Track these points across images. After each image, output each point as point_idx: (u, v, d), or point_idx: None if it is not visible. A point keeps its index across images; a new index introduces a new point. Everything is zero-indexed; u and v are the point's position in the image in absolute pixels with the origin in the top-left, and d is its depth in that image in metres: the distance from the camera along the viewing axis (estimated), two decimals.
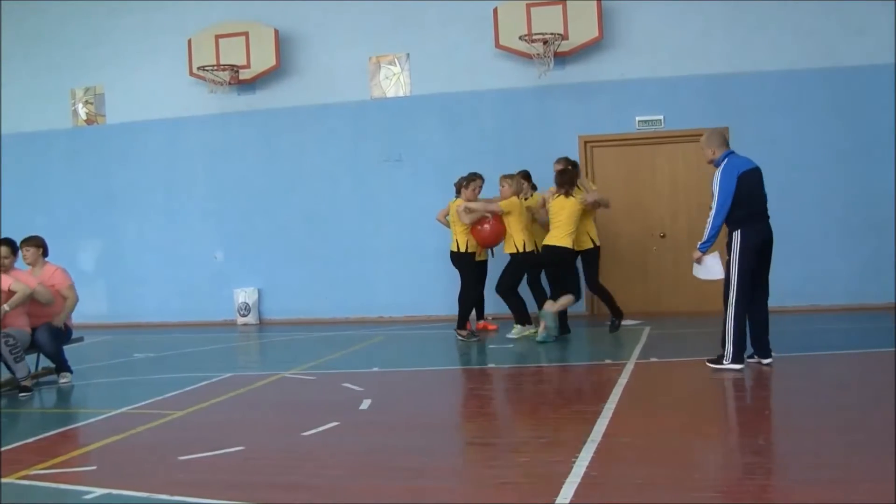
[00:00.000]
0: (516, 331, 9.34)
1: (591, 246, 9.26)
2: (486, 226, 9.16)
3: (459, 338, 9.41)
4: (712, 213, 6.62)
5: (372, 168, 12.03)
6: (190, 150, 12.79)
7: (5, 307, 7.22)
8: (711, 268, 6.85)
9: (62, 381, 7.71)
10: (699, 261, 6.88)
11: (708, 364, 6.88)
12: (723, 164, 6.68)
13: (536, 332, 9.01)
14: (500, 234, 9.22)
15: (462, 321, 9.48)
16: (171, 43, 12.54)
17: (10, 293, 7.28)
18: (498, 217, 9.11)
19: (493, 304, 10.27)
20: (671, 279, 11.07)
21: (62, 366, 7.77)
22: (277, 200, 12.38)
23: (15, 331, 7.28)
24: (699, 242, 6.79)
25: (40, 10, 13.16)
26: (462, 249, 9.48)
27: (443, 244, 10.38)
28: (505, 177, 9.29)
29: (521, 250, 9.22)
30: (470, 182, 9.45)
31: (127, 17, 12.88)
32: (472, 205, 9.18)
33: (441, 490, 4.13)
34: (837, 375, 6.72)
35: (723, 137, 6.91)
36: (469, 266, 9.54)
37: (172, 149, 12.83)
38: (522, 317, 9.36)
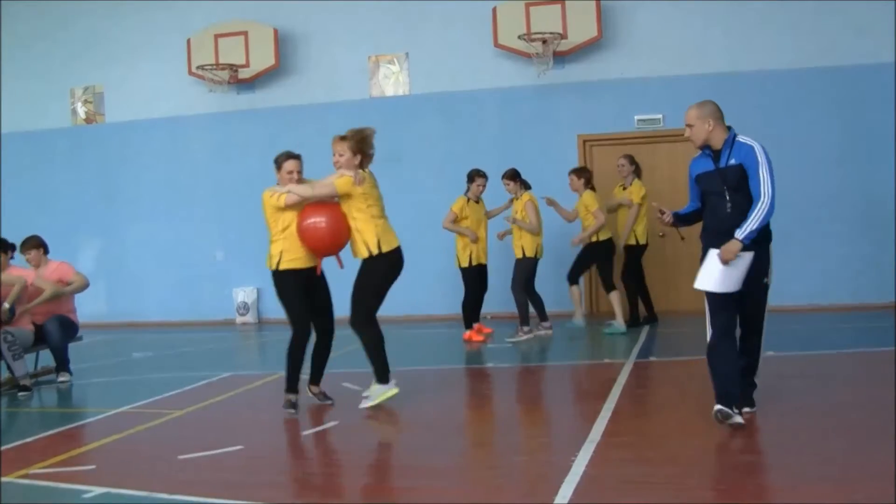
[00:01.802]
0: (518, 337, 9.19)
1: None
2: (318, 220, 5.86)
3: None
4: (765, 203, 4.79)
5: (371, 167, 11.98)
6: (189, 149, 12.78)
7: (5, 304, 7.25)
8: (730, 275, 4.90)
9: (61, 380, 7.71)
10: (731, 260, 4.86)
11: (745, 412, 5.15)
12: (761, 147, 4.91)
13: (528, 341, 8.91)
14: (336, 235, 5.94)
15: (468, 324, 9.43)
16: (171, 42, 12.53)
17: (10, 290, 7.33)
18: (336, 208, 5.98)
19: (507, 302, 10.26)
20: (670, 279, 11.05)
21: (63, 364, 7.77)
22: None
23: (15, 329, 7.29)
24: (741, 232, 4.81)
25: (40, 9, 13.15)
26: (459, 265, 9.37)
27: (442, 243, 10.37)
28: (339, 139, 6.12)
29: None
30: (474, 179, 9.35)
31: (126, 16, 12.87)
32: (295, 187, 5.89)
33: (440, 489, 4.13)
34: (837, 375, 6.72)
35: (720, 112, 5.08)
36: (467, 277, 9.44)
37: (172, 148, 12.82)
38: (525, 319, 9.26)
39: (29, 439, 5.48)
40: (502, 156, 10.93)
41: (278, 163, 6.00)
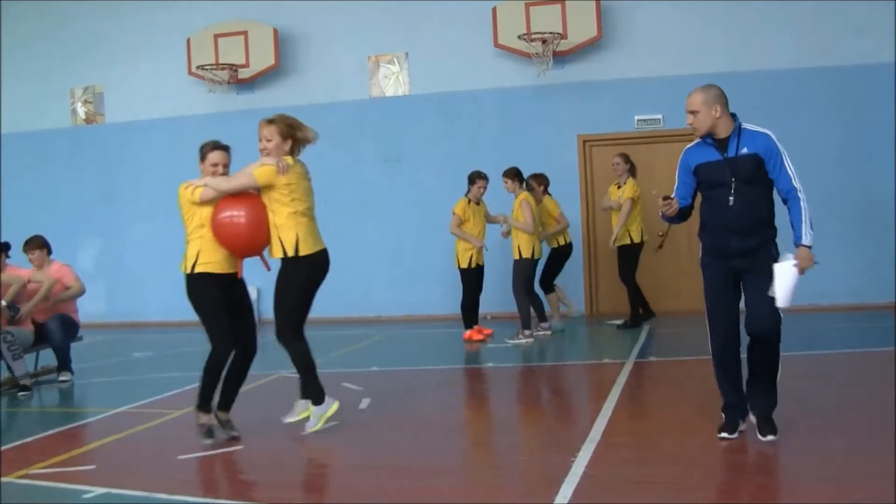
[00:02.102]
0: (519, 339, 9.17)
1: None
2: (236, 214, 5.16)
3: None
4: (804, 196, 4.47)
5: (371, 167, 12.03)
6: (189, 149, 12.55)
7: (3, 302, 7.26)
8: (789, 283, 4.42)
9: (62, 379, 7.71)
10: (807, 268, 4.41)
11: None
12: (774, 136, 4.59)
13: (528, 344, 8.93)
14: (256, 231, 5.20)
15: (468, 324, 9.44)
16: (170, 42, 12.53)
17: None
18: (256, 200, 5.27)
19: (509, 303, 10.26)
20: (670, 278, 11.05)
21: (65, 363, 7.78)
22: None
23: (15, 329, 7.29)
24: (805, 237, 4.42)
25: (40, 9, 13.15)
26: (458, 266, 9.37)
27: (442, 244, 10.37)
28: (266, 123, 5.59)
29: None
30: (474, 181, 9.34)
31: (126, 16, 12.87)
32: (211, 180, 5.29)
33: (440, 489, 4.13)
34: (837, 375, 6.72)
35: (726, 97, 4.69)
36: (466, 278, 9.44)
37: (172, 148, 12.80)
38: (527, 322, 9.23)
39: (29, 439, 5.48)
40: (502, 156, 10.91)
41: (203, 153, 5.36)
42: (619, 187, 9.81)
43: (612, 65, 11.30)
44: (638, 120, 11.26)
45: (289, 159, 5.28)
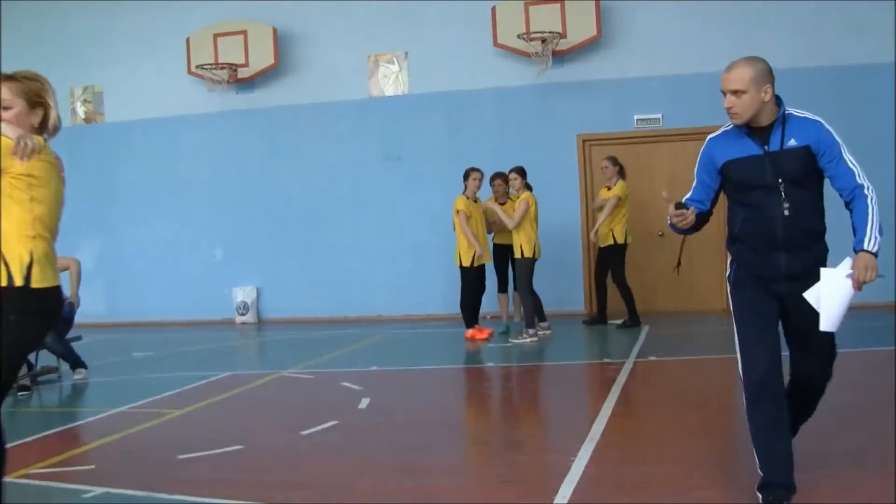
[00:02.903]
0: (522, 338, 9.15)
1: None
2: None
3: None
4: (873, 194, 3.73)
5: (371, 166, 12.02)
6: (189, 148, 12.77)
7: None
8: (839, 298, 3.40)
9: (76, 377, 7.73)
10: (866, 282, 3.39)
11: None
12: (826, 124, 3.68)
13: (530, 344, 8.93)
14: None
15: (469, 323, 9.43)
16: (170, 42, 12.52)
17: None
18: None
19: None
20: (669, 278, 11.04)
21: (76, 361, 7.80)
22: (276, 199, 12.37)
23: None
24: (870, 242, 3.51)
25: (40, 9, 13.14)
26: (460, 264, 9.35)
27: (442, 243, 10.37)
28: (5, 79, 3.68)
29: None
30: (469, 175, 9.37)
31: (125, 15, 12.86)
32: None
33: (440, 489, 4.12)
34: (837, 375, 6.70)
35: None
36: (467, 277, 9.44)
37: (171, 147, 12.81)
38: (531, 322, 9.22)
39: (28, 439, 5.47)
40: (501, 155, 10.91)
41: None
42: (608, 189, 9.84)
43: (611, 64, 11.30)
44: (637, 119, 11.26)
45: (39, 139, 3.45)
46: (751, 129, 3.52)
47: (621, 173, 9.83)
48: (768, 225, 3.51)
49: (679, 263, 5.37)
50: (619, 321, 9.78)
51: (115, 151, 12.98)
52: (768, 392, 3.51)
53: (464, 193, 9.38)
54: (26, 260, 3.29)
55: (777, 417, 3.50)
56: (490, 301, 10.22)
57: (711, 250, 10.08)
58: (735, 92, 3.44)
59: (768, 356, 3.52)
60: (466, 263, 9.31)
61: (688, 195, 3.71)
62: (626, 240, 9.71)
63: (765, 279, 3.55)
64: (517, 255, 9.18)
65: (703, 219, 3.68)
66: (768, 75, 3.49)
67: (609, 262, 9.74)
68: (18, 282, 3.24)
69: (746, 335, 3.56)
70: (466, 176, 9.40)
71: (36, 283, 3.28)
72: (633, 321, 9.66)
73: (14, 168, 3.29)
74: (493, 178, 9.59)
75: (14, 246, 3.29)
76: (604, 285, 9.88)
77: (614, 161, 9.87)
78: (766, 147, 3.50)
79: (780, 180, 3.49)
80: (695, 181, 3.73)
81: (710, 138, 3.70)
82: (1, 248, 3.26)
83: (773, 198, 3.49)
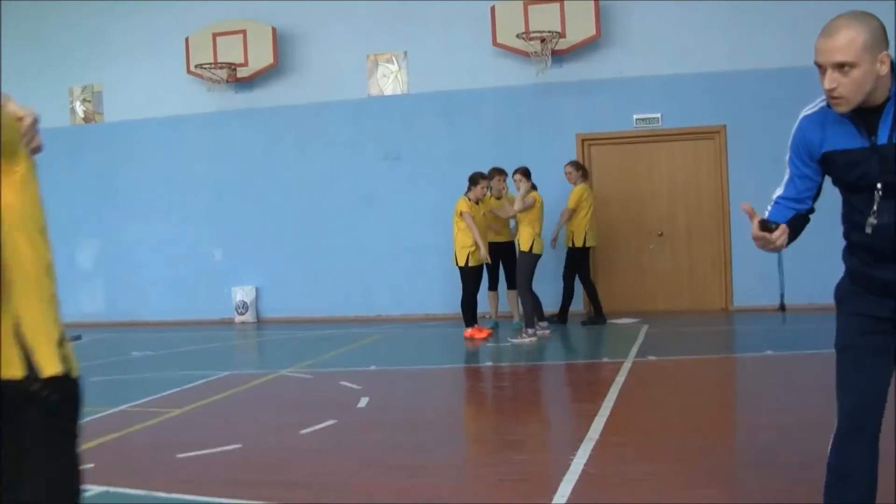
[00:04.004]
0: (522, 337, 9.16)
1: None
2: None
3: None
4: None
5: (370, 166, 12.02)
6: (188, 148, 12.77)
7: None
8: None
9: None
10: None
11: None
12: None
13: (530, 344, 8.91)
14: None
15: (469, 322, 9.42)
16: (169, 41, 12.52)
17: None
18: None
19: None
20: (669, 277, 11.05)
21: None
22: (275, 198, 12.37)
23: None
24: None
25: (38, 9, 13.14)
26: (458, 264, 9.36)
27: (442, 243, 10.36)
28: None
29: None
30: (477, 182, 9.39)
31: (124, 15, 12.85)
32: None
33: (439, 488, 4.13)
34: (829, 374, 6.71)
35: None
36: (467, 276, 9.43)
37: (170, 147, 12.81)
38: (530, 321, 9.20)
39: None
40: (501, 155, 10.91)
41: None
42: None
43: (610, 64, 11.29)
44: (637, 119, 11.25)
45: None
46: (854, 114, 2.57)
47: (584, 176, 10.03)
48: (873, 232, 2.70)
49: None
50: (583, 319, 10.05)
51: (115, 151, 12.98)
52: (856, 436, 2.91)
53: (466, 195, 9.39)
54: (55, 335, 2.07)
55: (862, 475, 2.88)
56: (481, 300, 10.22)
57: (712, 250, 10.09)
58: (840, 66, 2.46)
59: (863, 395, 2.89)
60: (461, 263, 9.33)
61: (778, 192, 2.89)
62: (585, 244, 9.83)
63: (874, 297, 2.85)
64: (524, 247, 9.13)
65: (799, 224, 2.89)
66: (884, 37, 2.51)
67: (570, 261, 9.95)
68: (51, 369, 2.02)
69: (847, 377, 3.02)
70: (475, 181, 9.38)
71: (76, 371, 2.11)
72: (598, 316, 9.90)
73: (19, 165, 2.16)
74: (491, 174, 9.57)
75: (35, 313, 2.04)
76: (571, 286, 10.06)
77: (577, 166, 10.10)
78: (873, 139, 2.57)
79: (887, 181, 2.59)
80: (787, 174, 2.90)
81: (804, 117, 2.80)
82: (20, 319, 2.01)
83: (871, 199, 2.68)
